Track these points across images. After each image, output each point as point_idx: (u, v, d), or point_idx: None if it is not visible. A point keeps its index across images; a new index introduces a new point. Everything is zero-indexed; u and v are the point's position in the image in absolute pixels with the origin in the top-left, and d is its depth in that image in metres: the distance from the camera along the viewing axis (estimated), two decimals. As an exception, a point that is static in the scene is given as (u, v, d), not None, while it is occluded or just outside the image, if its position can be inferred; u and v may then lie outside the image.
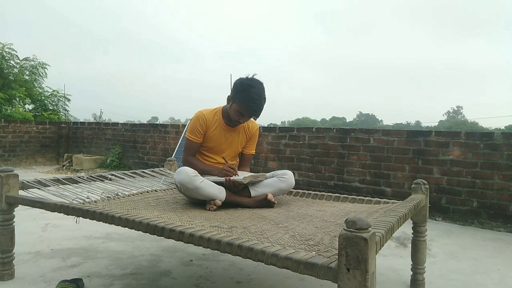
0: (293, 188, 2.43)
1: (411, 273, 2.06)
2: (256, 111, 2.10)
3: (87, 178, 2.35)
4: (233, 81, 2.23)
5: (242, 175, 2.04)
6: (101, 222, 1.67)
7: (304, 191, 2.42)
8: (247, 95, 2.06)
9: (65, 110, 10.75)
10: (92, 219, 1.69)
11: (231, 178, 2.02)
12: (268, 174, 2.18)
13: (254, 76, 2.14)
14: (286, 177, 2.12)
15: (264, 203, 2.04)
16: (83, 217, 1.72)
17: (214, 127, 2.22)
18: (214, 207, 1.93)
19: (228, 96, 2.19)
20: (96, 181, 2.35)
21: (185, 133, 3.87)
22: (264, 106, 2.12)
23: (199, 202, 2.02)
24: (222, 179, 2.02)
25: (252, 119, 2.23)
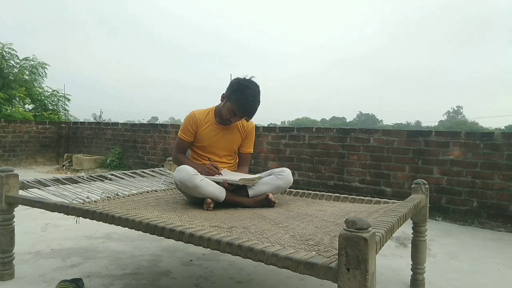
0: (293, 188, 2.44)
1: (411, 273, 2.06)
2: (249, 112, 2.12)
3: (87, 178, 2.36)
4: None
5: (239, 177, 2.04)
6: (101, 222, 1.67)
7: (304, 191, 2.42)
8: (242, 96, 2.08)
9: (65, 110, 10.76)
10: (92, 219, 1.69)
11: (225, 179, 2.02)
12: (265, 173, 2.18)
13: (251, 78, 2.15)
14: (283, 174, 2.12)
15: (265, 202, 2.04)
16: (83, 217, 1.73)
17: (205, 127, 2.24)
18: (212, 205, 1.93)
19: (223, 94, 2.21)
20: (96, 181, 2.35)
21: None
22: (258, 108, 2.14)
23: (199, 202, 2.02)
24: (221, 178, 2.02)
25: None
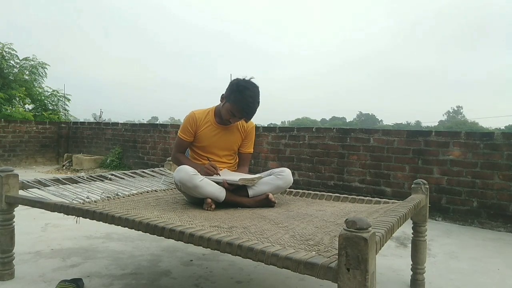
0: (293, 188, 2.44)
1: (411, 273, 2.07)
2: (248, 113, 2.12)
3: (87, 178, 2.36)
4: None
5: (239, 177, 2.04)
6: (101, 222, 1.67)
7: (304, 191, 2.42)
8: (242, 97, 2.08)
9: (65, 110, 10.77)
10: (92, 219, 1.69)
11: (225, 179, 2.02)
12: (265, 173, 2.19)
13: (251, 79, 2.15)
14: (283, 174, 2.12)
15: (265, 202, 2.04)
16: (83, 217, 1.73)
17: (205, 127, 2.25)
18: (213, 206, 1.93)
19: (222, 94, 2.21)
20: (96, 181, 2.35)
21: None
22: (257, 109, 2.14)
23: (199, 202, 2.02)
24: (221, 179, 2.03)
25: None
